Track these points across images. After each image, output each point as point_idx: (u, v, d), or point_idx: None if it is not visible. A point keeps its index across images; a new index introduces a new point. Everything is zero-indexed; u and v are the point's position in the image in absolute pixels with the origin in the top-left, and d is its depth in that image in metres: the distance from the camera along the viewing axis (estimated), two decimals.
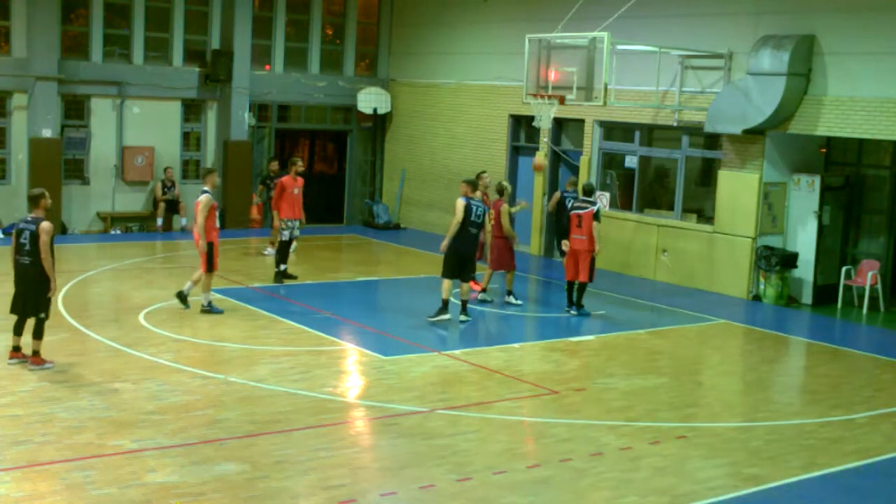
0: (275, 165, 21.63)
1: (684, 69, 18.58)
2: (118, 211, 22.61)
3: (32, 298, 11.32)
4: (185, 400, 10.45)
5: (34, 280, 11.23)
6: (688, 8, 18.66)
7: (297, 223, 17.27)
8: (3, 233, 21.11)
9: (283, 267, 17.18)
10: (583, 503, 8.37)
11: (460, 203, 14.37)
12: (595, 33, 16.10)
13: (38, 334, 11.36)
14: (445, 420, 10.26)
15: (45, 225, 11.18)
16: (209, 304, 14.50)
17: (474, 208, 14.39)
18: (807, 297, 17.57)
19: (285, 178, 17.26)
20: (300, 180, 17.37)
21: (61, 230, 21.52)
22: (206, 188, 14.58)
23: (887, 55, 15.70)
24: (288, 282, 17.06)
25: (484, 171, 17.69)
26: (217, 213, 14.69)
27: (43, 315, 11.37)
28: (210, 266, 14.38)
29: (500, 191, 16.20)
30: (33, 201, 11.44)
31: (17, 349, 11.51)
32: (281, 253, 17.19)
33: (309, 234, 22.98)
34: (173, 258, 19.45)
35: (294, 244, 18.13)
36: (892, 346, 14.74)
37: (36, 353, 11.38)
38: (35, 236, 11.15)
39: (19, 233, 11.33)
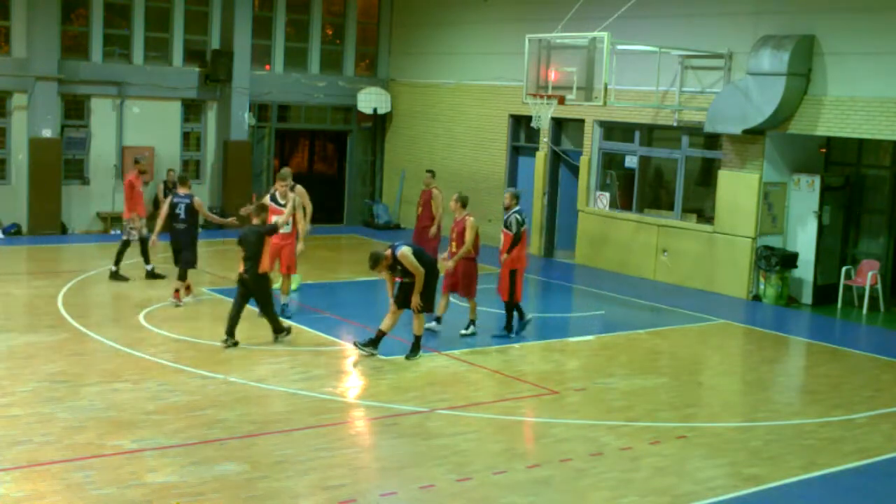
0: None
1: (684, 69, 18.58)
2: (118, 211, 22.52)
3: (185, 253, 14.86)
4: (185, 400, 10.45)
5: (187, 239, 14.91)
6: (688, 8, 18.66)
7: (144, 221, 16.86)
8: (4, 232, 21.12)
9: (150, 268, 16.82)
10: (583, 503, 8.37)
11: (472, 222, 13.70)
12: (595, 33, 16.10)
13: (182, 277, 14.93)
14: (445, 420, 10.26)
15: (198, 199, 15.08)
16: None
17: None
18: (807, 297, 17.57)
19: (134, 178, 16.78)
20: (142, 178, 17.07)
21: (61, 230, 21.55)
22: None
23: (887, 55, 15.70)
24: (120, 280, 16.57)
25: (429, 170, 17.87)
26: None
27: (190, 267, 14.94)
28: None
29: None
30: (182, 181, 15.33)
31: (177, 291, 14.86)
32: (121, 253, 16.65)
33: (309, 234, 22.97)
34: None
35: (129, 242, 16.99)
36: (892, 346, 14.74)
37: (177, 290, 14.87)
38: (189, 207, 14.84)
39: (174, 205, 14.92)
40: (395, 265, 12.33)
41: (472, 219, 13.75)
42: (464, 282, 13.79)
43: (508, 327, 13.97)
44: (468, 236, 13.60)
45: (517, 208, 13.89)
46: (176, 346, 12.65)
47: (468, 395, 11.29)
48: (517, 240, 13.74)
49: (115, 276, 16.69)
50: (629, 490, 8.60)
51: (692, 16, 18.52)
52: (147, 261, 16.88)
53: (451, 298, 14.36)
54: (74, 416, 9.75)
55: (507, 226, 13.81)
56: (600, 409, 10.92)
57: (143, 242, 16.74)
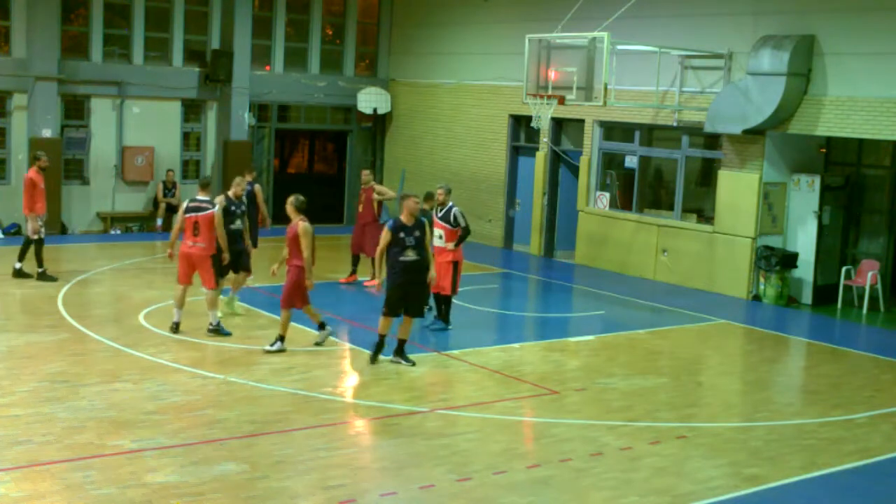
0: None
1: (684, 69, 18.58)
2: (118, 211, 22.60)
3: (242, 255, 14.46)
4: (185, 400, 10.45)
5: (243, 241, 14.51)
6: (688, 8, 18.66)
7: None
8: (3, 233, 21.11)
9: (18, 266, 16.42)
10: (583, 503, 8.37)
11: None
12: (595, 33, 16.10)
13: (248, 270, 14.84)
14: (445, 420, 10.26)
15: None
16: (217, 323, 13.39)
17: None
18: (807, 297, 17.57)
19: (35, 175, 16.33)
20: None
21: (61, 230, 21.54)
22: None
23: (887, 55, 15.70)
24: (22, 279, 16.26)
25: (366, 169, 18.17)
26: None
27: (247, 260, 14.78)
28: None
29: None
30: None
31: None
32: (23, 250, 16.36)
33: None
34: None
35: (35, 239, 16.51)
36: (892, 346, 14.74)
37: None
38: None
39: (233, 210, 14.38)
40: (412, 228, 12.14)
41: (304, 224, 12.25)
42: (289, 291, 12.48)
43: (444, 318, 14.17)
44: (304, 243, 12.22)
45: (451, 203, 14.16)
46: (176, 346, 12.64)
47: (468, 395, 11.29)
48: (466, 232, 14.06)
49: (19, 273, 16.31)
50: (629, 490, 8.60)
51: (692, 16, 18.52)
52: (40, 263, 16.34)
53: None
54: (74, 416, 9.75)
55: (448, 220, 13.97)
56: (600, 409, 10.92)
57: (40, 243, 16.34)
